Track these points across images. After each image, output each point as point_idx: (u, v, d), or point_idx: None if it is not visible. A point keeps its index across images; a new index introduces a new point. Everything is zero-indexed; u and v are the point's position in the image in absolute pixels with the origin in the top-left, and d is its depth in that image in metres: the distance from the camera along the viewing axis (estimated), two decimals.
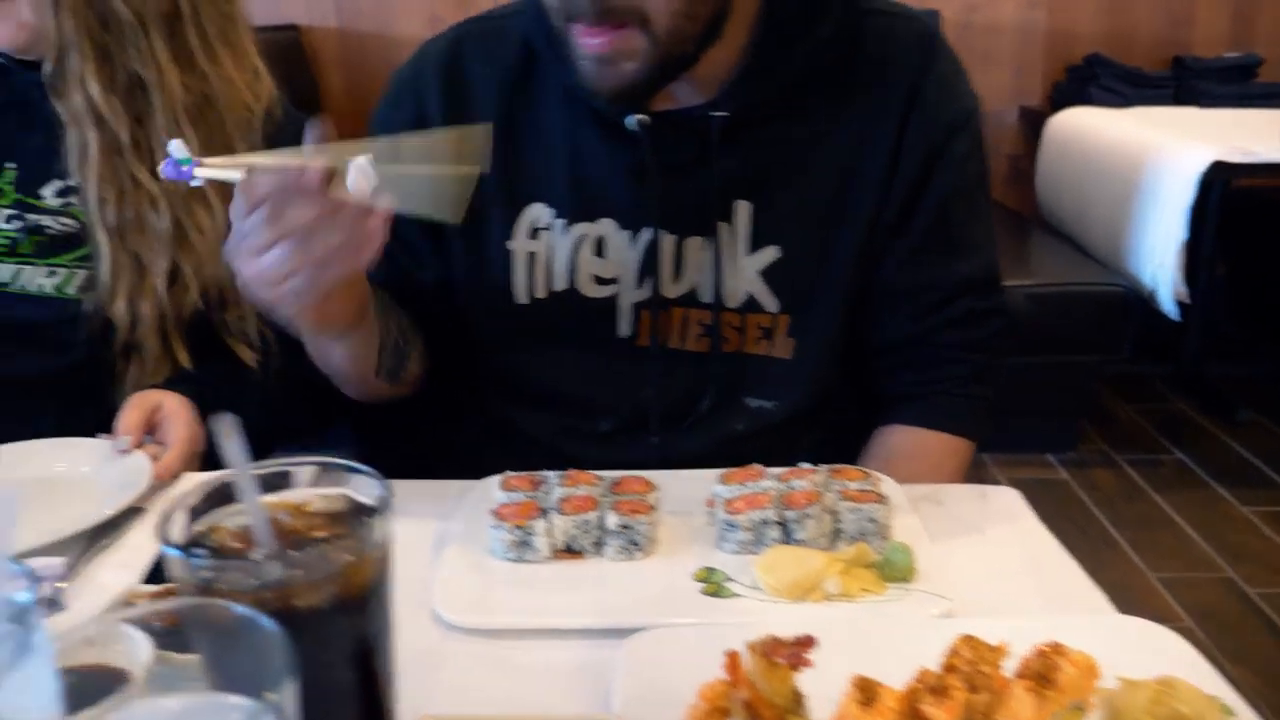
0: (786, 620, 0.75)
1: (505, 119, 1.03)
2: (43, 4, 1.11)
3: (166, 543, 0.53)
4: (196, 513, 0.57)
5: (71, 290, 1.16)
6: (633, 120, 0.97)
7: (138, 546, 0.90)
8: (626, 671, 0.70)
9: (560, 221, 1.03)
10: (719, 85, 0.98)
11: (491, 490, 0.90)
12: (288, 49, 3.42)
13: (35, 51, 1.15)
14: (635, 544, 0.84)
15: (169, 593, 0.73)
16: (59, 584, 0.84)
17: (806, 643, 0.59)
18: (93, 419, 1.12)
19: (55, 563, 0.85)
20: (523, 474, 0.91)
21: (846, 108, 1.00)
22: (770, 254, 1.02)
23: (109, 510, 0.91)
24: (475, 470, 1.17)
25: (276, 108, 1.25)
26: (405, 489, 0.99)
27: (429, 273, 1.10)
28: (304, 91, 3.55)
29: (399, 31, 3.65)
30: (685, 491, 0.91)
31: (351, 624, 0.55)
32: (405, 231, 1.09)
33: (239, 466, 0.53)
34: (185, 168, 0.81)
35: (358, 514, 0.57)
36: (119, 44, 1.12)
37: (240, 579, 0.51)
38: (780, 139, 1.00)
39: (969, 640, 0.64)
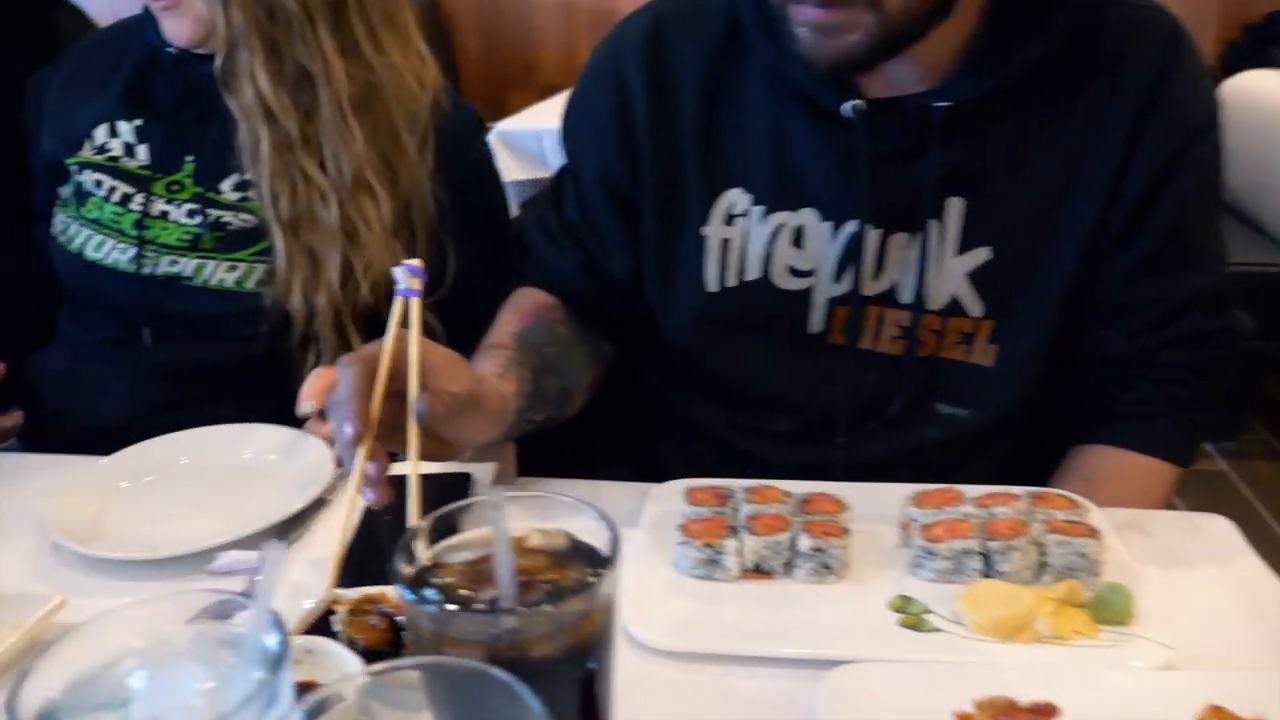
0: (997, 663, 0.72)
1: (707, 100, 1.00)
2: None
3: (399, 581, 0.52)
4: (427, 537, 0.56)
5: (251, 285, 1.18)
6: (848, 106, 0.92)
7: (325, 541, 0.92)
8: (828, 708, 0.67)
9: (758, 209, 0.99)
10: (941, 73, 0.93)
11: (674, 501, 0.88)
12: (423, 11, 3.44)
13: (209, 45, 1.17)
14: (827, 567, 0.81)
15: (368, 600, 0.74)
16: (258, 577, 0.86)
17: (1047, 711, 0.55)
18: (273, 408, 1.14)
19: (249, 557, 0.88)
20: (706, 485, 0.89)
21: (1076, 104, 0.93)
22: (981, 255, 0.96)
23: (299, 504, 0.93)
24: (639, 463, 1.16)
25: (443, 95, 1.24)
26: (576, 490, 1.02)
27: (621, 261, 1.08)
28: (440, 57, 3.56)
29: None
30: (873, 509, 0.88)
31: (579, 669, 0.53)
32: (598, 220, 1.08)
33: (497, 509, 0.51)
34: (400, 289, 0.81)
35: (581, 556, 0.56)
36: (286, 36, 1.13)
37: (475, 629, 0.50)
38: (1002, 133, 0.94)
39: (1219, 714, 0.59)
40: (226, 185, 1.21)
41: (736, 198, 1.00)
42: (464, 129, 1.28)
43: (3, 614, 0.80)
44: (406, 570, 0.54)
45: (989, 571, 0.80)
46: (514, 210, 2.96)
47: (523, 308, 1.09)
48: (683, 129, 1.00)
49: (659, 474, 1.02)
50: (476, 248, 1.26)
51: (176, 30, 1.17)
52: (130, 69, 1.26)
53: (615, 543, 0.54)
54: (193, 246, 1.19)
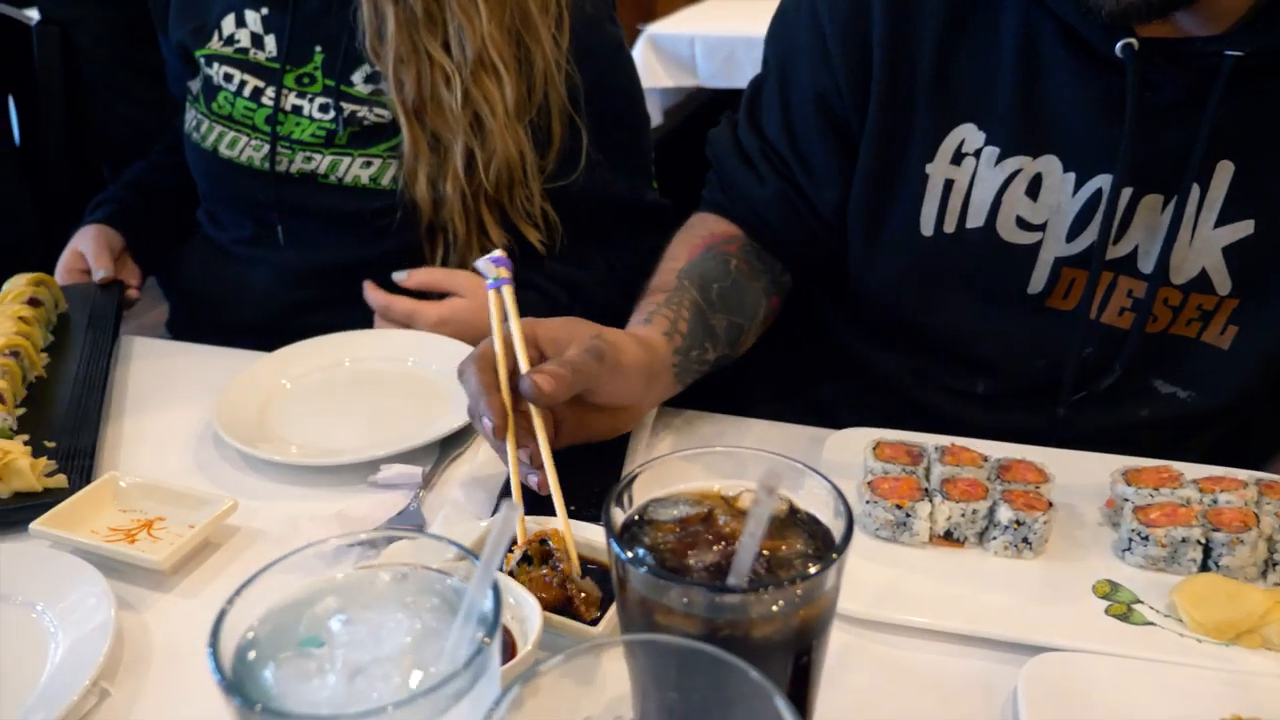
0: (1222, 669, 0.65)
1: (951, 22, 0.89)
2: None
3: (611, 535, 0.48)
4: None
5: (386, 181, 1.15)
6: (1120, 46, 0.80)
7: (486, 461, 0.89)
8: (1031, 696, 0.62)
9: (992, 149, 0.89)
10: (1231, 20, 0.81)
11: (857, 453, 0.82)
12: None
13: None
14: (1027, 542, 0.74)
15: (542, 546, 0.71)
16: (420, 492, 0.84)
17: None
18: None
19: (414, 472, 0.86)
20: (894, 439, 0.83)
21: None
22: (1242, 229, 0.84)
23: (461, 420, 0.90)
24: (793, 400, 1.10)
25: None
26: (732, 429, 0.97)
27: (828, 191, 0.99)
28: None
29: None
30: (1077, 480, 0.80)
31: (797, 650, 0.49)
32: (808, 144, 0.99)
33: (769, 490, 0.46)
34: (490, 282, 0.78)
35: (801, 526, 0.51)
36: None
37: (696, 603, 0.46)
38: None
39: None
40: (358, 77, 1.16)
41: (969, 134, 0.90)
42: (601, 11, 1.20)
43: (175, 510, 0.80)
44: (618, 520, 0.50)
45: (1208, 564, 0.73)
46: (657, 118, 2.89)
47: (694, 239, 1.02)
48: (920, 51, 0.90)
49: (817, 416, 0.97)
50: (609, 140, 1.20)
51: None
52: None
53: (849, 522, 0.48)
54: (327, 142, 1.16)
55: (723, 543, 0.50)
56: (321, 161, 1.17)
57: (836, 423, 0.90)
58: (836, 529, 0.50)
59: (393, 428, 0.92)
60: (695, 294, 0.93)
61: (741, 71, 2.73)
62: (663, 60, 2.73)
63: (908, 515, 0.75)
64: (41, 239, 1.43)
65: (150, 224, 1.36)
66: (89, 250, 1.27)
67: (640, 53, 2.70)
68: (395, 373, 1.02)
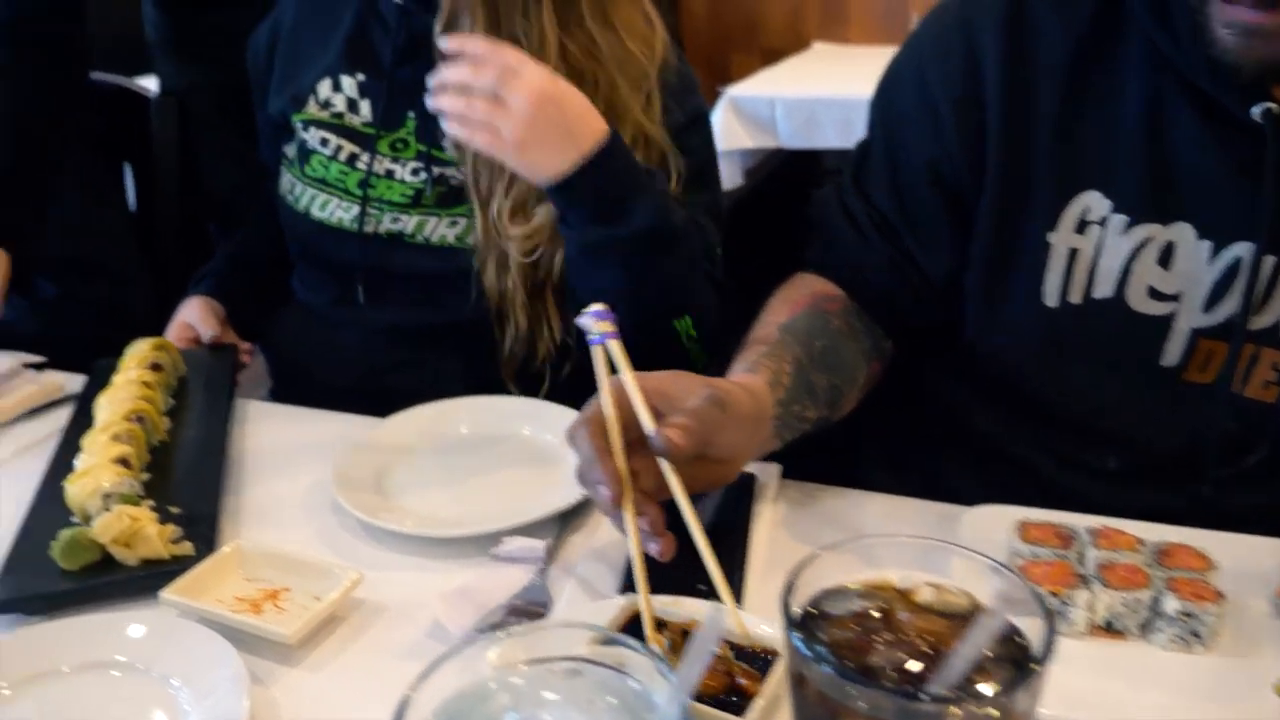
0: None
1: (1071, 86, 0.86)
2: None
3: (790, 626, 0.46)
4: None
5: (471, 240, 1.14)
6: (1259, 110, 0.78)
7: (609, 535, 0.87)
8: None
9: (1120, 218, 0.86)
10: None
11: (999, 534, 0.78)
12: None
13: None
14: (1197, 635, 0.69)
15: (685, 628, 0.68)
16: (544, 567, 0.82)
17: None
18: (495, 371, 1.13)
19: (536, 546, 0.84)
20: (1041, 520, 0.79)
21: None
22: None
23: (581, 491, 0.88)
24: (909, 474, 1.06)
25: (671, 55, 1.16)
26: (866, 504, 0.93)
27: (939, 260, 0.96)
28: (664, 15, 3.49)
29: None
30: (1239, 565, 0.75)
31: None
32: (919, 211, 0.96)
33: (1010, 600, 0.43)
34: (594, 337, 0.75)
35: (996, 633, 0.47)
36: (509, 8, 1.06)
37: (888, 708, 0.43)
38: None
39: None
40: (448, 140, 1.16)
41: (1093, 202, 0.87)
42: (685, 85, 1.18)
43: (299, 580, 0.80)
44: (795, 611, 0.47)
45: None
46: (738, 179, 2.88)
47: (796, 297, 1.00)
48: (1039, 117, 0.87)
49: (932, 489, 0.93)
50: (684, 202, 1.18)
51: None
52: (351, 20, 1.23)
53: (1051, 628, 0.45)
54: (414, 203, 1.17)
55: (907, 642, 0.47)
56: (409, 222, 1.17)
57: (955, 496, 0.87)
58: (1033, 631, 0.47)
59: (512, 498, 0.90)
60: (797, 349, 0.91)
61: (822, 132, 2.73)
62: (743, 122, 2.74)
63: (1064, 604, 0.71)
64: (155, 302, 1.47)
65: (249, 294, 1.38)
66: (195, 319, 1.30)
67: (721, 114, 2.72)
68: (512, 440, 1.00)
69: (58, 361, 1.24)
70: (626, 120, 1.11)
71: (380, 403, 1.06)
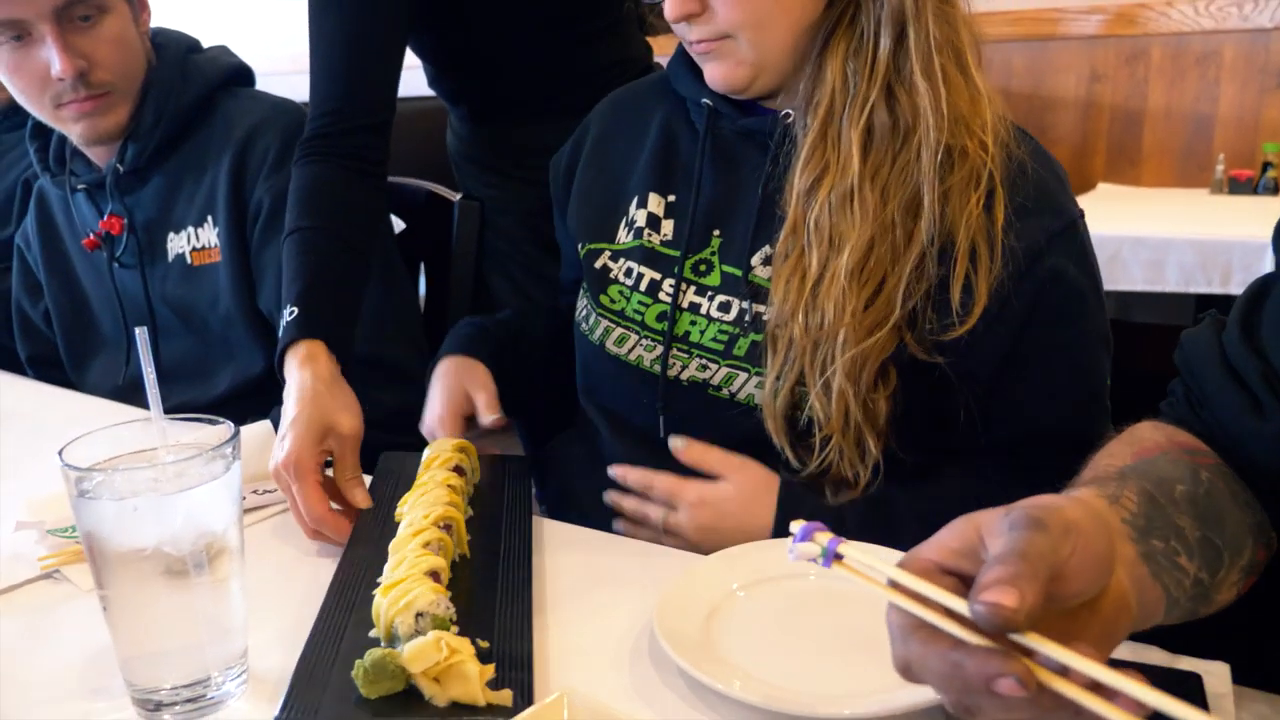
0: None
1: None
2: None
3: None
4: None
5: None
6: None
7: None
8: None
9: None
10: None
11: None
12: None
13: (752, 91, 1.02)
14: None
15: None
16: None
17: None
18: None
19: None
20: None
21: None
22: None
23: None
24: None
25: (1014, 144, 0.99)
26: None
27: None
28: None
29: (1053, 90, 3.33)
30: None
31: None
32: None
33: None
34: (824, 559, 0.59)
35: None
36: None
37: None
38: None
39: None
40: (757, 259, 1.04)
41: None
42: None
43: None
44: None
45: None
46: None
47: (1143, 443, 0.78)
48: None
49: None
50: (1043, 376, 0.99)
51: (722, 75, 1.01)
52: (658, 130, 1.14)
53: None
54: (724, 353, 1.04)
55: None
56: (716, 373, 1.04)
57: None
58: None
59: (869, 673, 0.73)
60: (1145, 484, 0.69)
61: (1127, 272, 2.47)
62: None
63: None
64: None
65: (521, 380, 1.24)
66: (482, 393, 1.13)
67: None
68: (866, 597, 0.83)
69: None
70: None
71: None
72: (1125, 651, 0.73)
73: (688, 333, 1.06)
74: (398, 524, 0.89)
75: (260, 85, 1.57)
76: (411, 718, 0.68)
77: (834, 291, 0.95)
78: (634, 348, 1.10)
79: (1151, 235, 2.45)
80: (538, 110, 1.52)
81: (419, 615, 0.73)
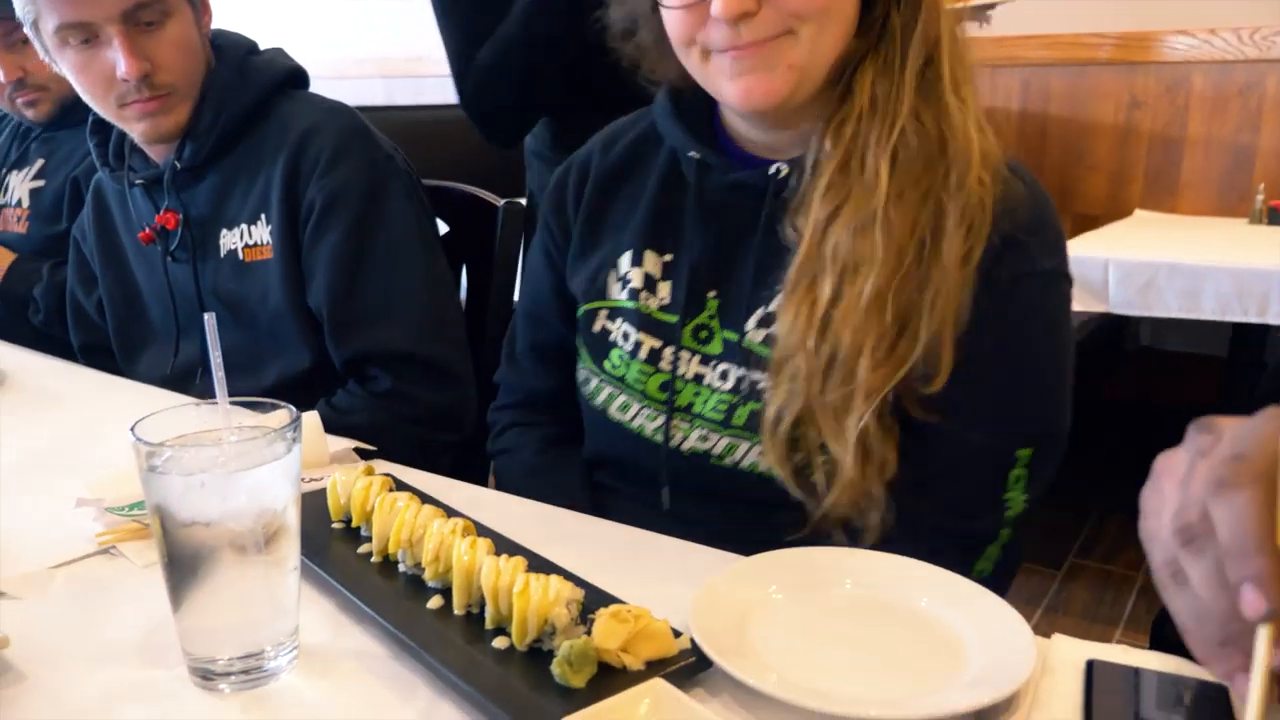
0: None
1: None
2: None
3: None
4: None
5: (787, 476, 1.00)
6: None
7: None
8: None
9: None
10: None
11: None
12: None
13: (786, 107, 0.99)
14: None
15: None
16: None
17: None
18: None
19: None
20: None
21: None
22: None
23: (994, 694, 0.71)
24: None
25: (1013, 186, 0.98)
26: None
27: None
28: None
29: (1092, 115, 3.33)
30: None
31: None
32: None
33: None
34: None
35: None
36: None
37: None
38: None
39: None
40: (752, 323, 1.03)
41: None
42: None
43: None
44: None
45: None
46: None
47: None
48: None
49: None
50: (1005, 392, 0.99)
51: (763, 87, 0.95)
52: (656, 184, 1.11)
53: None
54: (724, 423, 1.03)
55: None
56: (718, 442, 1.05)
57: None
58: None
59: (902, 681, 0.74)
60: None
61: (1162, 300, 2.47)
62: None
63: None
64: (480, 406, 1.44)
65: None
66: None
67: None
68: (904, 610, 0.83)
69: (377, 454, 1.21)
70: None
71: None
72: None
73: (691, 403, 1.05)
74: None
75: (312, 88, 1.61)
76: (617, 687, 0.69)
77: (852, 319, 0.93)
78: (637, 415, 1.09)
79: (1188, 262, 2.44)
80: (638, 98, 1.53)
81: (569, 602, 0.75)
